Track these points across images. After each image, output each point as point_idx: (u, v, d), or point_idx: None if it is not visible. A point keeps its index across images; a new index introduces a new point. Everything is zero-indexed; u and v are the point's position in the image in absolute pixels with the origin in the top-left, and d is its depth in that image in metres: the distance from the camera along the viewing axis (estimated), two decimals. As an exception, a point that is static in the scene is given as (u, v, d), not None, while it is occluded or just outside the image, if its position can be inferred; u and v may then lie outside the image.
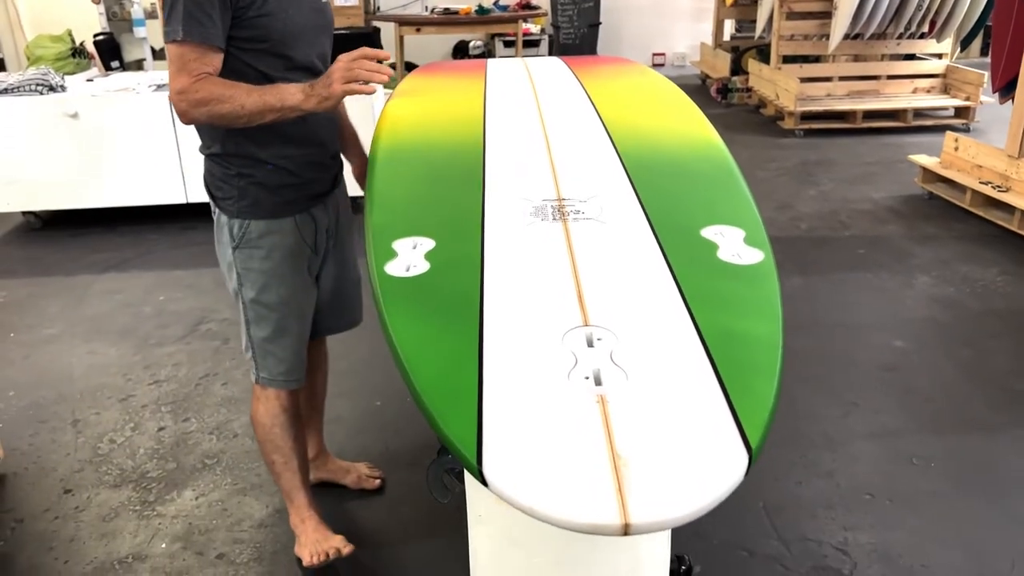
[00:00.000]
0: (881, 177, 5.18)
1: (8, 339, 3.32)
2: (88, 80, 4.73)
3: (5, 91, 4.30)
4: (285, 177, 1.81)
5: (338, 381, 2.30)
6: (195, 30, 1.60)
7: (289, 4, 1.72)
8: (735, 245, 1.36)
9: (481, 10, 7.39)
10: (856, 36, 6.40)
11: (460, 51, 8.83)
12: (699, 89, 8.38)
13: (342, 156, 2.02)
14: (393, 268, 1.30)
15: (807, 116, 6.30)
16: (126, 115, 4.32)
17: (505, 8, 7.81)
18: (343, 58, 1.61)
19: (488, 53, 8.78)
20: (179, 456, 2.51)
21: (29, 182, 4.39)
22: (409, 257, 1.32)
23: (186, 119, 1.66)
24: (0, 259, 4.30)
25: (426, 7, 7.25)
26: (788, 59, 6.73)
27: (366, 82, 1.61)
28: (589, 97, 1.87)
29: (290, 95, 1.62)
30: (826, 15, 6.46)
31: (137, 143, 4.32)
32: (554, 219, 1.43)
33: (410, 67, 8.13)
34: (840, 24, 6.17)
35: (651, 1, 9.15)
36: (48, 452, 2.55)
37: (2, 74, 4.49)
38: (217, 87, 1.61)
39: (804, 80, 6.42)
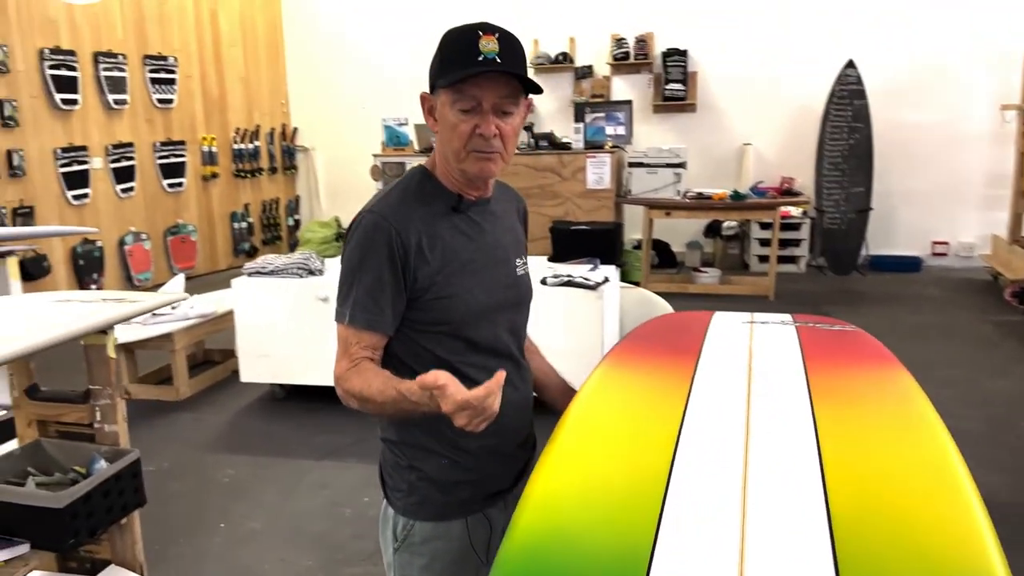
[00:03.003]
0: None
1: (218, 529, 3.41)
2: (345, 263, 5.07)
3: (272, 272, 4.71)
4: (460, 473, 1.58)
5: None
6: (361, 316, 1.49)
7: (477, 283, 1.54)
8: None
9: (736, 195, 7.10)
10: None
11: (712, 231, 8.57)
12: (988, 288, 7.31)
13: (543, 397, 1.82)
14: None
15: None
16: (369, 302, 4.52)
17: (763, 194, 7.45)
18: (469, 400, 1.26)
19: (743, 235, 8.43)
20: None
21: (279, 357, 4.70)
22: None
23: (344, 403, 1.52)
24: (241, 429, 4.58)
25: (678, 191, 7.11)
26: (1109, 268, 5.64)
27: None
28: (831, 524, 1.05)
29: (424, 405, 1.36)
30: None
31: (374, 329, 4.47)
32: None
33: (657, 245, 7.98)
34: None
35: (934, 185, 8.31)
36: None
37: (271, 255, 4.93)
38: (362, 383, 1.46)
39: None
